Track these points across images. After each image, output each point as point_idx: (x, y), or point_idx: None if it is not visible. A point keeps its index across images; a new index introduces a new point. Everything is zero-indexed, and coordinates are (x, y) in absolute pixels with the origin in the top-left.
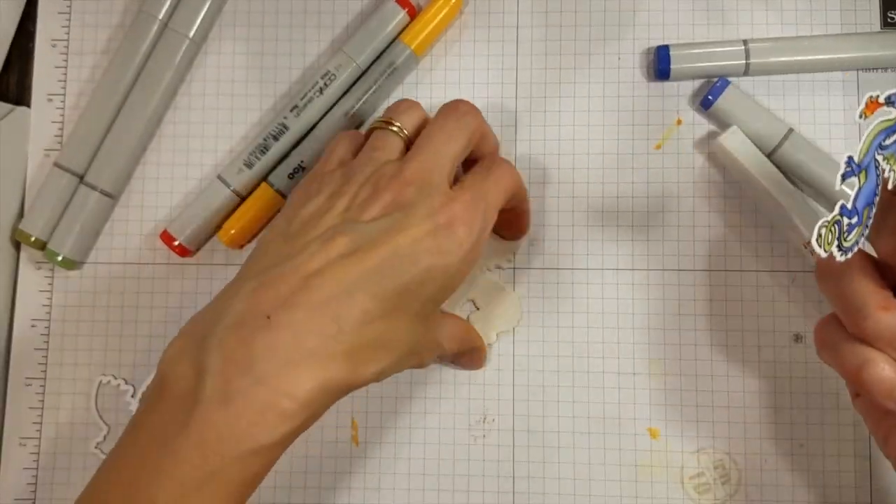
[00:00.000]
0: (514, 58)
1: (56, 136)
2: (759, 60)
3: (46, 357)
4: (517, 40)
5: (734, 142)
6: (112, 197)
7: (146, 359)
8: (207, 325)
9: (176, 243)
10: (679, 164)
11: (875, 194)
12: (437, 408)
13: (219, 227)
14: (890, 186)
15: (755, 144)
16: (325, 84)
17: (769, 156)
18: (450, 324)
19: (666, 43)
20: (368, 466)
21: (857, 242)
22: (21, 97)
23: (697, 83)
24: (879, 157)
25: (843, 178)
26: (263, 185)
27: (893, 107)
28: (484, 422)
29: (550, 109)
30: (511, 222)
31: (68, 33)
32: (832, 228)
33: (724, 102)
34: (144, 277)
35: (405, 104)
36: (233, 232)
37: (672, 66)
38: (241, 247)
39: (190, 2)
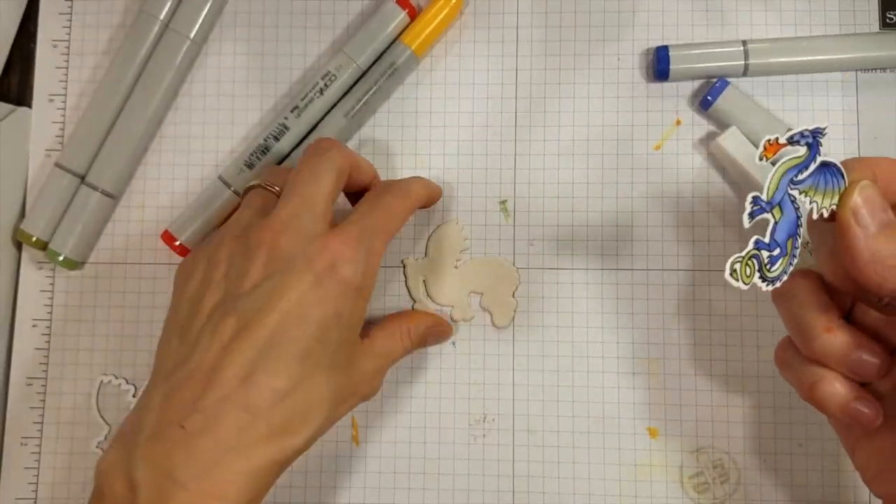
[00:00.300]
0: (514, 58)
1: (57, 136)
2: (759, 61)
3: (48, 357)
4: (517, 40)
5: (733, 142)
6: (113, 197)
7: (147, 359)
8: (132, 436)
9: (177, 243)
10: (678, 164)
11: (798, 226)
12: (437, 408)
13: (219, 226)
14: (815, 217)
15: (754, 145)
16: (326, 85)
17: None
18: (380, 339)
19: (665, 43)
20: (368, 466)
21: (784, 272)
22: (22, 97)
23: (697, 84)
24: (795, 192)
25: (752, 216)
26: None
27: (797, 145)
28: (484, 421)
29: (550, 109)
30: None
31: (69, 34)
32: (749, 263)
33: (723, 103)
34: (145, 277)
35: (274, 168)
36: None
37: (671, 67)
38: None
39: (191, 2)
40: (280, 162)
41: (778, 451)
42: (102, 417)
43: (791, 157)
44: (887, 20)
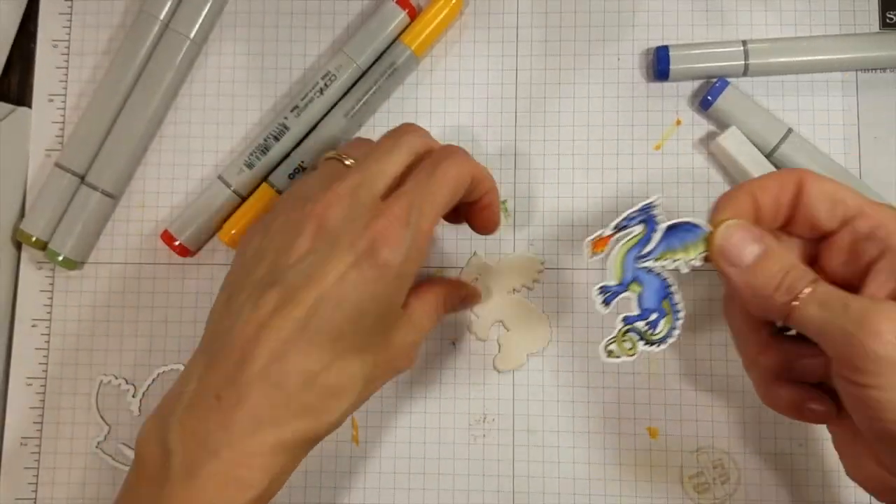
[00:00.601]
0: (514, 58)
1: (57, 136)
2: (758, 61)
3: (47, 357)
4: (517, 40)
5: (733, 142)
6: (113, 197)
7: (147, 359)
8: (171, 405)
9: (177, 243)
10: (678, 164)
11: (666, 287)
12: (437, 407)
13: (219, 227)
14: (686, 271)
15: (754, 144)
16: (326, 84)
17: (768, 156)
18: (418, 311)
19: (665, 43)
20: (368, 466)
21: (674, 328)
22: (22, 97)
23: (697, 83)
24: (649, 264)
25: (606, 303)
26: (264, 185)
27: (628, 228)
28: (484, 421)
29: (550, 109)
30: (475, 216)
31: (69, 34)
32: (625, 339)
33: (723, 103)
34: (145, 277)
35: (357, 140)
36: (233, 232)
37: (671, 67)
38: None
39: (191, 2)
40: (280, 162)
41: (778, 451)
42: (102, 417)
43: (626, 240)
44: (887, 20)
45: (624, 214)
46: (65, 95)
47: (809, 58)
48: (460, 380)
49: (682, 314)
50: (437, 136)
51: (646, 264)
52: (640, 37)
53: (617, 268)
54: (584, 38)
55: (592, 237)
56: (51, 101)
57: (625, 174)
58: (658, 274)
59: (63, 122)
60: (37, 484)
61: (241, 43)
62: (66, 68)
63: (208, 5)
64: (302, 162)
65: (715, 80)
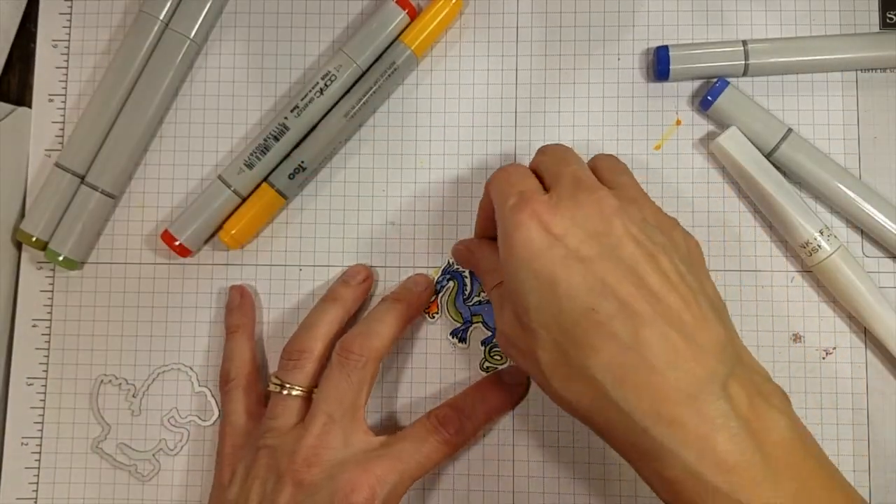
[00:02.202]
0: (514, 58)
1: (57, 136)
2: (758, 61)
3: (48, 357)
4: (517, 40)
5: (733, 142)
6: (113, 197)
7: (147, 359)
8: None
9: (177, 243)
10: (678, 164)
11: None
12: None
13: (220, 227)
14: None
15: (754, 145)
16: (326, 85)
17: (768, 156)
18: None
19: (665, 43)
20: None
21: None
22: (22, 97)
23: (697, 84)
24: (478, 298)
25: (462, 340)
26: (264, 185)
27: (443, 285)
28: None
29: (550, 109)
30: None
31: (69, 34)
32: (493, 354)
33: (723, 103)
34: (145, 277)
35: (292, 352)
36: (234, 232)
37: (671, 67)
38: (242, 247)
39: (191, 2)
40: (281, 162)
41: None
42: (102, 417)
43: (446, 294)
44: (887, 20)
45: (435, 280)
46: (65, 95)
47: (809, 58)
48: (460, 380)
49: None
50: (437, 136)
51: (474, 301)
52: (639, 37)
53: (454, 314)
54: (583, 39)
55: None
56: (51, 101)
57: None
58: (487, 302)
59: (63, 122)
60: (37, 483)
61: (241, 43)
62: (66, 68)
63: (208, 5)
64: (302, 162)
65: (715, 80)
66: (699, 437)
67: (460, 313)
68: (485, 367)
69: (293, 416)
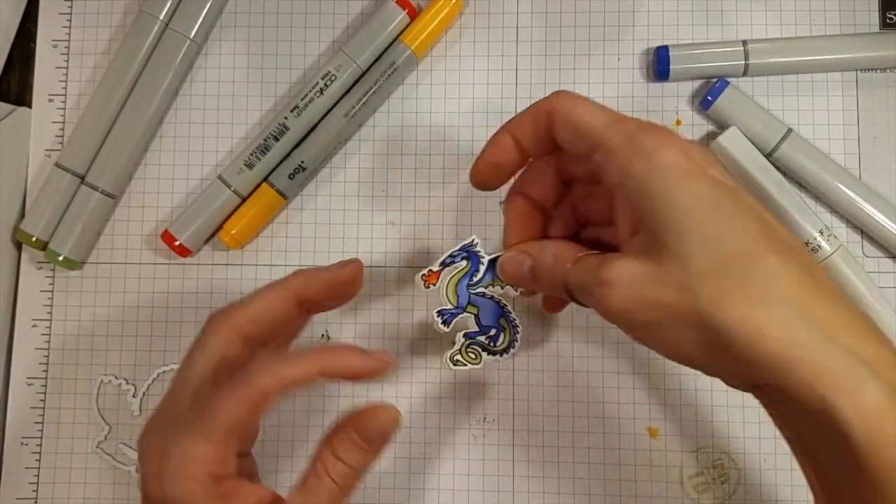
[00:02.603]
0: (514, 58)
1: (57, 136)
2: (759, 61)
3: (48, 357)
4: (517, 40)
5: (733, 142)
6: (113, 197)
7: (147, 358)
8: None
9: (177, 243)
10: None
11: (501, 308)
12: (436, 408)
13: (220, 227)
14: (517, 293)
15: (754, 145)
16: (326, 84)
17: (768, 156)
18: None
19: (665, 43)
20: None
21: (514, 340)
22: (22, 97)
23: (697, 84)
24: (482, 289)
25: (446, 323)
26: (264, 185)
27: (454, 263)
28: (484, 422)
29: None
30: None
31: (69, 34)
32: (469, 351)
33: (723, 103)
34: (145, 277)
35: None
36: (234, 232)
37: (671, 67)
38: (242, 247)
39: (191, 2)
40: (281, 162)
41: (778, 452)
42: (102, 417)
43: (454, 272)
44: (887, 20)
45: (447, 253)
46: (65, 95)
47: (809, 58)
48: (460, 379)
49: (520, 329)
50: (436, 136)
51: (479, 290)
52: (640, 37)
53: (451, 295)
54: (584, 39)
55: (422, 273)
56: (51, 101)
57: None
58: (491, 297)
59: (63, 122)
60: (37, 484)
61: (240, 43)
62: (66, 68)
63: (208, 5)
64: (302, 162)
65: (715, 80)
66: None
67: (458, 297)
68: (454, 359)
69: None
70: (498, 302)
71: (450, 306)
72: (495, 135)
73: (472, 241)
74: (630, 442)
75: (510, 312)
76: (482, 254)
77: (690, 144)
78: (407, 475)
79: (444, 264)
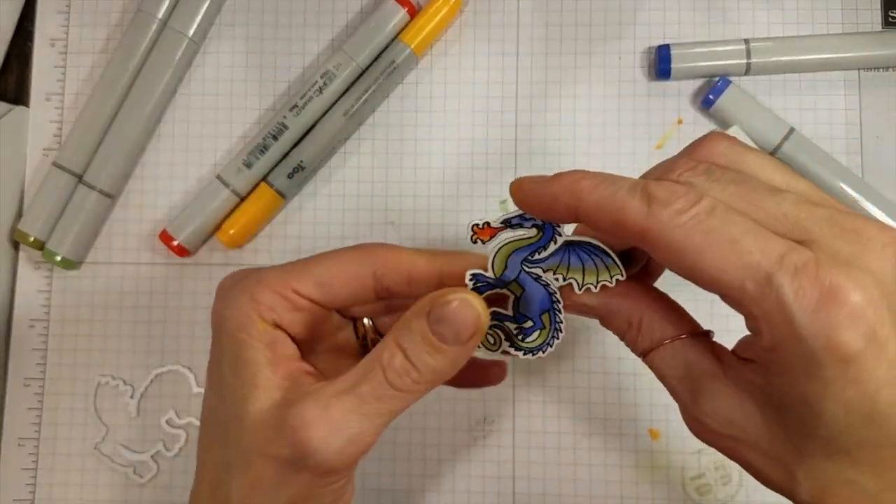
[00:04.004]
0: (515, 57)
1: (55, 135)
2: (761, 60)
3: (45, 357)
4: (517, 39)
5: None
6: (111, 197)
7: (145, 359)
8: None
9: (175, 243)
10: None
11: (553, 302)
12: (437, 408)
13: (218, 227)
14: (580, 291)
15: (756, 144)
16: (325, 83)
17: (770, 155)
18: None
19: (667, 42)
20: (368, 467)
21: (548, 344)
22: (19, 97)
23: (698, 83)
24: (539, 271)
25: (480, 290)
26: (263, 184)
27: (518, 227)
28: (484, 423)
29: (550, 109)
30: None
31: (67, 33)
32: (491, 333)
33: (725, 102)
34: (143, 277)
35: None
36: (232, 232)
37: (673, 66)
38: (241, 247)
39: (189, 1)
40: (279, 162)
41: None
42: (100, 418)
43: (515, 238)
44: (890, 19)
45: (519, 212)
46: (62, 94)
47: (812, 57)
48: None
49: (562, 334)
50: (437, 136)
51: (535, 270)
52: (641, 35)
53: (499, 262)
54: (584, 37)
55: (476, 222)
56: (48, 100)
57: (626, 174)
58: (547, 285)
59: (61, 122)
60: (35, 485)
61: (239, 41)
62: (64, 67)
63: (206, 4)
64: (301, 161)
65: (717, 79)
66: None
67: (506, 268)
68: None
69: None
70: (552, 294)
71: (490, 274)
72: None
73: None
74: (631, 443)
75: (560, 312)
76: (561, 230)
77: (869, 305)
78: (407, 476)
79: (508, 223)
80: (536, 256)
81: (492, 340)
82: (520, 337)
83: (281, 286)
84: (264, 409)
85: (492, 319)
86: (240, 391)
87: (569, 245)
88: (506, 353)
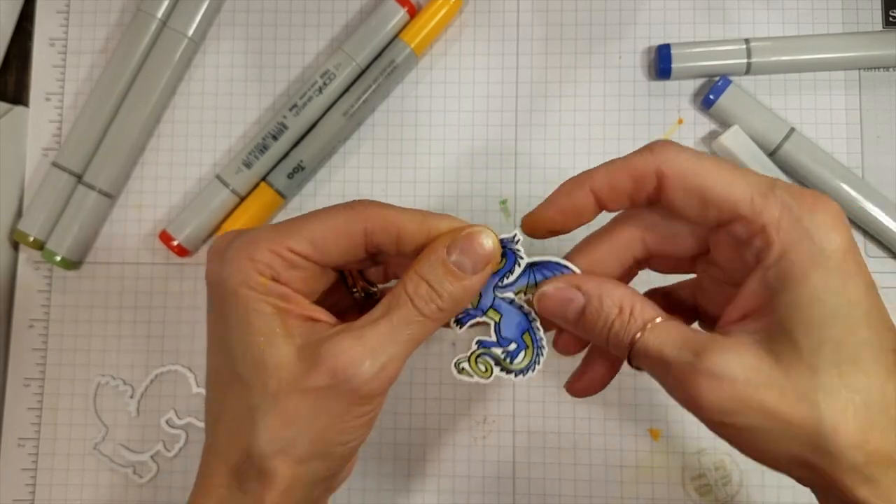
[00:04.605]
0: (515, 56)
1: (54, 135)
2: (761, 59)
3: (45, 357)
4: (517, 39)
5: (736, 141)
6: (110, 197)
7: (145, 359)
8: None
9: (175, 243)
10: None
11: (529, 321)
12: (437, 409)
13: (218, 226)
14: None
15: (757, 144)
16: (325, 83)
17: (770, 155)
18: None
19: (667, 42)
20: (368, 466)
21: (535, 362)
22: (19, 96)
23: (699, 82)
24: (511, 294)
25: (460, 322)
26: (263, 184)
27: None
28: (484, 423)
29: (550, 109)
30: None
31: (66, 32)
32: (480, 360)
33: (725, 102)
34: (143, 277)
35: None
36: None
37: (673, 65)
38: None
39: (188, 1)
40: (279, 161)
41: None
42: (100, 418)
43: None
44: (890, 19)
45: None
46: (62, 94)
47: (812, 56)
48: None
49: (545, 350)
50: (437, 135)
51: (506, 295)
52: (641, 35)
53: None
54: (584, 37)
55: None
56: (48, 100)
57: None
58: (521, 307)
59: (60, 122)
60: (34, 485)
61: (239, 41)
62: (64, 67)
63: (206, 4)
64: (301, 161)
65: (717, 78)
66: None
67: (480, 296)
68: (461, 367)
69: None
70: (527, 314)
71: (468, 305)
72: (568, 188)
73: (514, 236)
74: (632, 443)
75: (538, 330)
76: (522, 254)
77: (844, 216)
78: (407, 477)
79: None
80: (506, 281)
81: (483, 368)
82: (508, 360)
83: (276, 245)
84: (289, 352)
85: (479, 348)
86: (255, 341)
87: (531, 266)
88: (496, 376)
